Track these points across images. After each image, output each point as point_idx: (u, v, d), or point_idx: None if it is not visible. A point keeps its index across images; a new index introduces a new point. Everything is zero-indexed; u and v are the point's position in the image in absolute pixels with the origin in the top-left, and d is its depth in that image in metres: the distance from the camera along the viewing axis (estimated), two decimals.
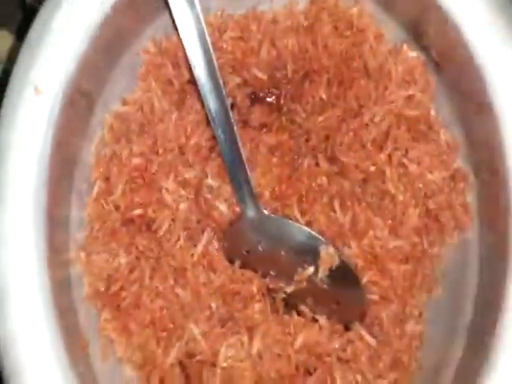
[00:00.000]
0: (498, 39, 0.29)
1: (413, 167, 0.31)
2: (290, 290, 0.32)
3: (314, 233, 0.31)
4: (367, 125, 0.32)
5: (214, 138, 0.31)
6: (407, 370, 0.31)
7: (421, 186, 0.31)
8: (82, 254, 0.32)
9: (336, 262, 0.31)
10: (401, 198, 0.31)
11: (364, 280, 0.31)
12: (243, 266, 0.32)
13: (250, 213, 0.31)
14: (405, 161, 0.31)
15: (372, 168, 0.32)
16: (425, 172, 0.31)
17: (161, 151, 0.32)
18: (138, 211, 0.32)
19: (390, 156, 0.32)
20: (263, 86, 0.33)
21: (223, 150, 0.30)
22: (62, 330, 0.29)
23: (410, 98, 0.32)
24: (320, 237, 0.31)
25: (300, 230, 0.31)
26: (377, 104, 0.32)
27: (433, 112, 0.32)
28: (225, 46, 0.33)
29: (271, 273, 0.32)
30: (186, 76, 0.32)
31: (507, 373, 0.27)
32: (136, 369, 0.32)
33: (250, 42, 0.33)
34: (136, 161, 0.32)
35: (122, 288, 0.32)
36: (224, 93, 0.29)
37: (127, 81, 0.33)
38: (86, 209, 0.33)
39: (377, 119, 0.32)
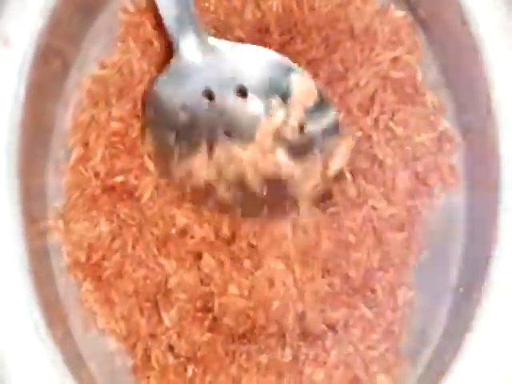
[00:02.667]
0: None
1: (399, 130, 0.31)
2: (251, 151, 0.23)
3: (283, 58, 0.22)
4: (352, 89, 0.31)
5: None
6: (398, 339, 0.31)
7: (409, 148, 0.31)
8: (61, 223, 0.31)
9: (315, 96, 0.23)
10: (389, 162, 0.31)
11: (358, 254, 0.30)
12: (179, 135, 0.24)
13: (190, 46, 0.23)
14: (391, 124, 0.31)
15: (359, 133, 0.31)
16: (412, 134, 0.31)
17: (141, 115, 0.30)
18: (118, 178, 0.31)
19: (376, 120, 0.31)
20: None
21: None
22: (40, 300, 0.28)
23: (396, 59, 0.31)
24: (292, 63, 0.22)
25: (264, 56, 0.22)
26: (363, 67, 0.31)
27: (419, 74, 0.32)
28: (207, 5, 0.31)
29: (221, 132, 0.23)
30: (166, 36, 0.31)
31: (490, 336, 0.27)
32: (120, 340, 0.31)
33: (233, 2, 0.32)
34: (115, 125, 0.31)
35: (103, 257, 0.31)
36: None
37: (105, 42, 0.32)
38: (64, 176, 0.32)
39: (362, 82, 0.31)
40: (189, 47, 0.24)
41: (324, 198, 0.28)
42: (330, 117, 0.25)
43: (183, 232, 0.31)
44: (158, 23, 0.31)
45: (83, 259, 0.31)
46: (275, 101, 0.24)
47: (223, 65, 0.24)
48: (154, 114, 0.26)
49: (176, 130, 0.25)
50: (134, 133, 0.31)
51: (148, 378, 0.31)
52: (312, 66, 0.31)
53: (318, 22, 0.32)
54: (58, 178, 0.32)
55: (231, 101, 0.24)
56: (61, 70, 0.31)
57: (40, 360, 0.27)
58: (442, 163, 0.31)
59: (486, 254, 0.28)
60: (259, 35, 0.32)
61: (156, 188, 0.31)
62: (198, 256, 0.31)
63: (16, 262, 0.28)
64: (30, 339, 0.27)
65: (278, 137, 0.24)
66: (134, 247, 0.31)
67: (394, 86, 0.31)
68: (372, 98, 0.31)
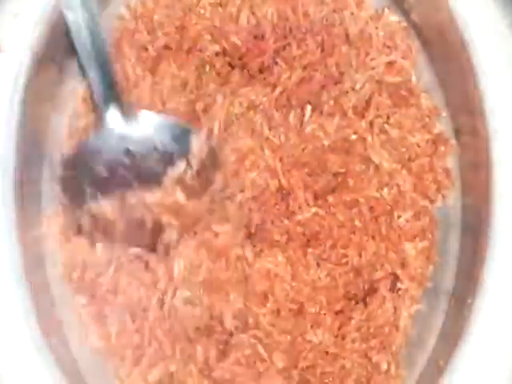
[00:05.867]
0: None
1: (394, 132, 0.31)
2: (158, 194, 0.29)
3: (183, 123, 0.29)
4: (347, 92, 0.31)
5: (192, 102, 0.30)
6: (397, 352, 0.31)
7: (404, 150, 0.31)
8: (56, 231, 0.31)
9: (207, 147, 0.29)
10: (386, 165, 0.31)
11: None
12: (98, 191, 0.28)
13: (113, 116, 0.28)
14: (386, 127, 0.31)
15: (353, 136, 0.31)
16: (407, 135, 0.31)
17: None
18: None
19: (371, 123, 0.31)
20: (242, 54, 0.32)
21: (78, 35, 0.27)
22: (36, 307, 0.28)
23: (391, 63, 0.32)
24: (191, 127, 0.29)
25: (172, 124, 0.29)
26: (358, 71, 0.31)
27: (414, 78, 0.32)
28: (203, 11, 0.32)
29: (135, 184, 0.29)
30: (162, 41, 0.31)
31: (484, 339, 0.27)
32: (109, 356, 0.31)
33: (228, 8, 0.32)
34: None
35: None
36: None
37: None
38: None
39: (358, 86, 0.31)
40: (113, 118, 0.29)
41: None
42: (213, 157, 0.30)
43: None
44: (153, 29, 0.31)
45: (78, 273, 0.31)
46: (178, 155, 0.30)
47: (141, 130, 0.30)
48: (75, 170, 0.30)
49: (93, 183, 0.30)
50: None
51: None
52: (308, 71, 0.31)
53: (313, 27, 0.32)
54: (53, 184, 0.31)
55: (146, 157, 0.30)
56: (57, 77, 0.31)
57: (35, 366, 0.27)
58: (437, 165, 0.31)
59: (480, 259, 0.28)
60: (254, 41, 0.32)
61: None
62: None
63: (11, 270, 0.28)
64: (25, 346, 0.27)
65: (181, 182, 0.30)
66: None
67: (389, 90, 0.31)
68: (368, 102, 0.31)
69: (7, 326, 0.27)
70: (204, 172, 0.30)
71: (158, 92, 0.31)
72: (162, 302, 0.30)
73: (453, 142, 0.32)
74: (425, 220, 0.31)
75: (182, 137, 0.29)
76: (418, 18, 0.31)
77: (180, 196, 0.29)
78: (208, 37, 0.32)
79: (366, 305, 0.30)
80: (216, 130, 0.30)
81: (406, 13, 0.32)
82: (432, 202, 0.31)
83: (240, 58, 0.32)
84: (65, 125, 0.32)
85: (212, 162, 0.30)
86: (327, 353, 0.30)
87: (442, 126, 0.32)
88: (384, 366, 0.30)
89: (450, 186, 0.32)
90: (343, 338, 0.30)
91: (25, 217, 0.29)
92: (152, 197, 0.29)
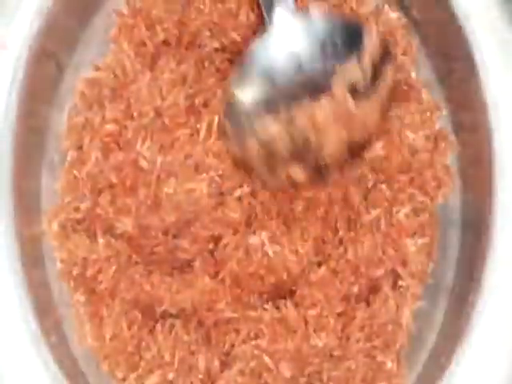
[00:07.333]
0: None
1: (395, 127, 0.31)
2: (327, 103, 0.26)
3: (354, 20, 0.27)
4: None
5: (191, 96, 0.30)
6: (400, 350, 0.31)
7: (404, 145, 0.31)
8: (55, 227, 0.31)
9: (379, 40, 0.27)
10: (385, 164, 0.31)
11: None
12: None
13: (284, 15, 0.27)
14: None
15: None
16: (407, 130, 0.31)
17: (135, 115, 0.30)
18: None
19: None
20: (242, 50, 0.32)
21: None
22: (34, 304, 0.28)
23: None
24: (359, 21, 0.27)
25: (342, 22, 0.27)
26: None
27: (414, 74, 0.32)
28: (202, 7, 0.32)
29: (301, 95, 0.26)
30: (161, 36, 0.31)
31: (485, 338, 0.27)
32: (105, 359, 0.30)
33: (227, 4, 0.32)
34: (109, 127, 0.31)
35: (99, 270, 0.30)
36: None
37: (99, 45, 0.32)
38: (59, 180, 0.32)
39: None
40: (283, 16, 0.28)
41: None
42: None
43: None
44: (152, 24, 0.31)
45: (77, 270, 0.31)
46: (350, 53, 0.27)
47: (310, 29, 0.28)
48: (241, 82, 0.28)
49: (259, 98, 0.28)
50: (129, 134, 0.30)
51: None
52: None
53: None
54: (52, 181, 0.32)
55: (314, 59, 0.27)
56: (55, 73, 0.31)
57: (34, 365, 0.27)
58: (437, 161, 0.31)
59: (480, 256, 0.28)
60: (254, 37, 0.32)
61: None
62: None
63: (10, 266, 0.28)
64: (23, 344, 0.27)
65: (352, 87, 0.27)
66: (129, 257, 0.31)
67: None
68: None
69: (6, 325, 0.27)
70: (374, 70, 0.27)
71: (156, 87, 0.30)
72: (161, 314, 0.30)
73: (453, 138, 0.31)
74: (424, 216, 0.31)
75: (353, 34, 0.27)
76: (418, 14, 0.31)
77: (351, 103, 0.27)
78: (207, 33, 0.31)
79: (368, 304, 0.30)
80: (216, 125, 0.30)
81: (406, 9, 0.32)
82: (432, 198, 0.31)
83: (239, 54, 0.32)
84: (63, 121, 0.32)
85: (383, 56, 0.28)
86: (332, 356, 0.30)
87: (443, 122, 0.32)
88: (388, 365, 0.30)
89: (449, 183, 0.31)
90: (347, 339, 0.30)
91: (23, 214, 0.29)
92: (321, 107, 0.27)
